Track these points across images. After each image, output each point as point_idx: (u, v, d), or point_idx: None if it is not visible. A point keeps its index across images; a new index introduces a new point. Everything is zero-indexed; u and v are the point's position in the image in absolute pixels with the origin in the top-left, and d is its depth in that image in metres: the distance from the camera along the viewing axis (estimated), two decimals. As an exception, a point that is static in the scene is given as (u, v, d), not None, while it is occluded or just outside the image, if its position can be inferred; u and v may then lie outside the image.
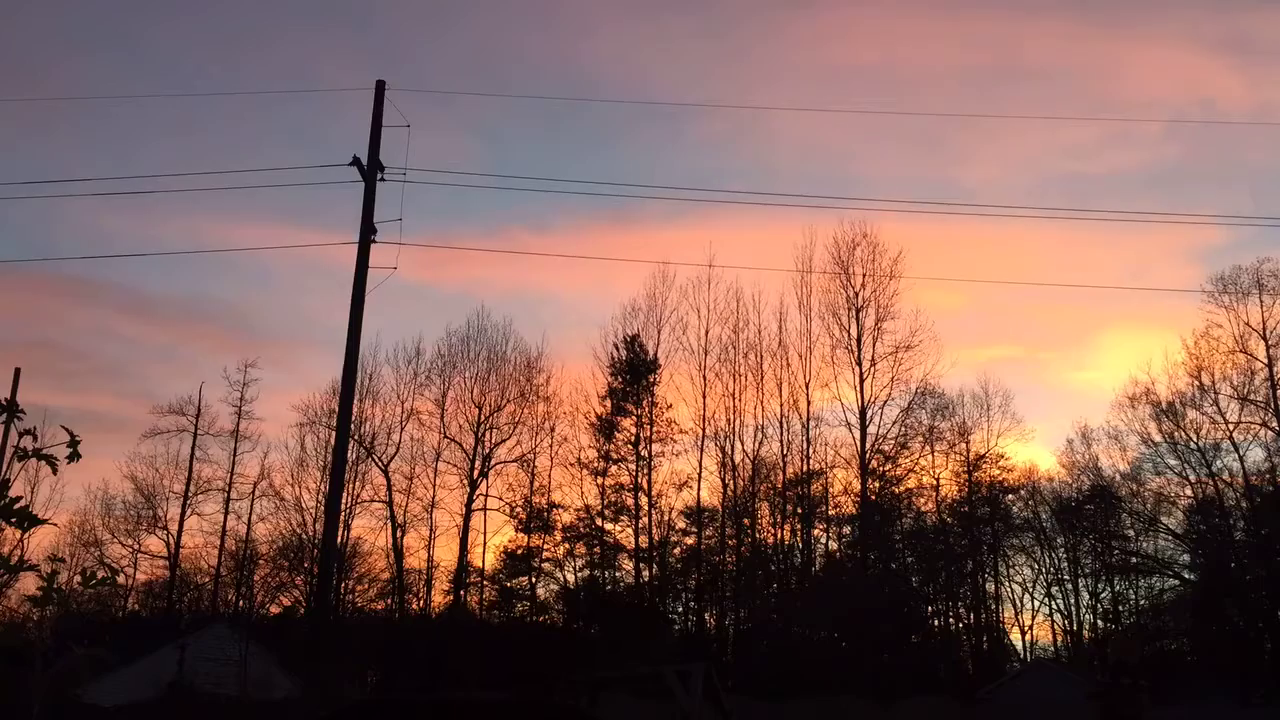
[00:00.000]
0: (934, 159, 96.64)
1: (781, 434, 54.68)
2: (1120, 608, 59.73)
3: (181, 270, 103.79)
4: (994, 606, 60.67)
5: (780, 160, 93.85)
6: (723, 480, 54.33)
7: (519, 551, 56.04)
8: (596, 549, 55.84)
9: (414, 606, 56.39)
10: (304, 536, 52.92)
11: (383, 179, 24.21)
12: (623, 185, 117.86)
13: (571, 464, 56.08)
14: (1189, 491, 53.84)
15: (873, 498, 54.13)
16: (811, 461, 54.36)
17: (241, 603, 56.10)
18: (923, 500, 58.01)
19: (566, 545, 56.62)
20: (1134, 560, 56.73)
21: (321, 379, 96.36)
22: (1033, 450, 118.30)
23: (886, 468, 54.73)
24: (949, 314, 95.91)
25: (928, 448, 56.99)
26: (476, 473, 54.04)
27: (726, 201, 79.23)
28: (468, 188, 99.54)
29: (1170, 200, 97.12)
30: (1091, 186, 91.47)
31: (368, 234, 23.65)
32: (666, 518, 55.63)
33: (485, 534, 56.11)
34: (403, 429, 55.52)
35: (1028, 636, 62.06)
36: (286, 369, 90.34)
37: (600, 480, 55.73)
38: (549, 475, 56.62)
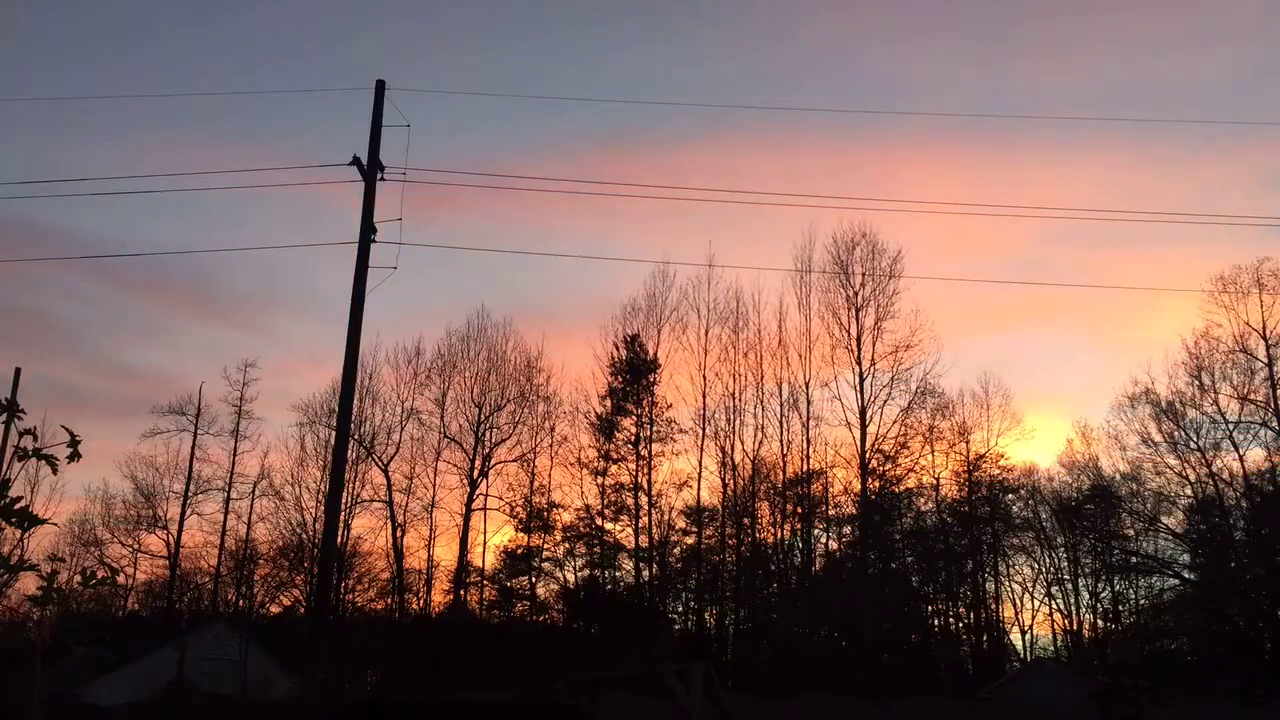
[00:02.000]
0: (991, 54, 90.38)
1: (781, 434, 54.72)
2: (1120, 608, 59.77)
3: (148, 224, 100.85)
4: (994, 606, 60.73)
5: (816, 59, 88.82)
6: (723, 480, 54.38)
7: (519, 551, 56.06)
8: (596, 548, 55.83)
9: (414, 606, 56.44)
10: (304, 536, 53.00)
11: (383, 179, 24.23)
12: (624, 185, 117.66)
13: (571, 464, 56.16)
14: (1189, 491, 53.85)
15: (873, 497, 54.11)
16: (811, 461, 54.40)
17: (241, 602, 56.18)
18: (923, 500, 58.03)
19: (566, 545, 56.66)
20: (1134, 560, 56.71)
21: (317, 359, 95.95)
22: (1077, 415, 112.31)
23: (886, 467, 54.70)
24: (1001, 252, 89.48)
25: (928, 447, 57.02)
26: (476, 472, 54.08)
27: (727, 201, 79.15)
28: (465, 95, 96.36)
29: (1264, 103, 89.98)
30: (1171, 92, 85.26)
31: (368, 234, 23.65)
32: (666, 517, 55.69)
33: (485, 534, 56.22)
34: (403, 429, 55.59)
35: (1028, 636, 62.14)
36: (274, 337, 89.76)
37: (600, 480, 55.76)
38: (549, 475, 56.71)
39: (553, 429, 56.80)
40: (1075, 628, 61.01)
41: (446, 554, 57.43)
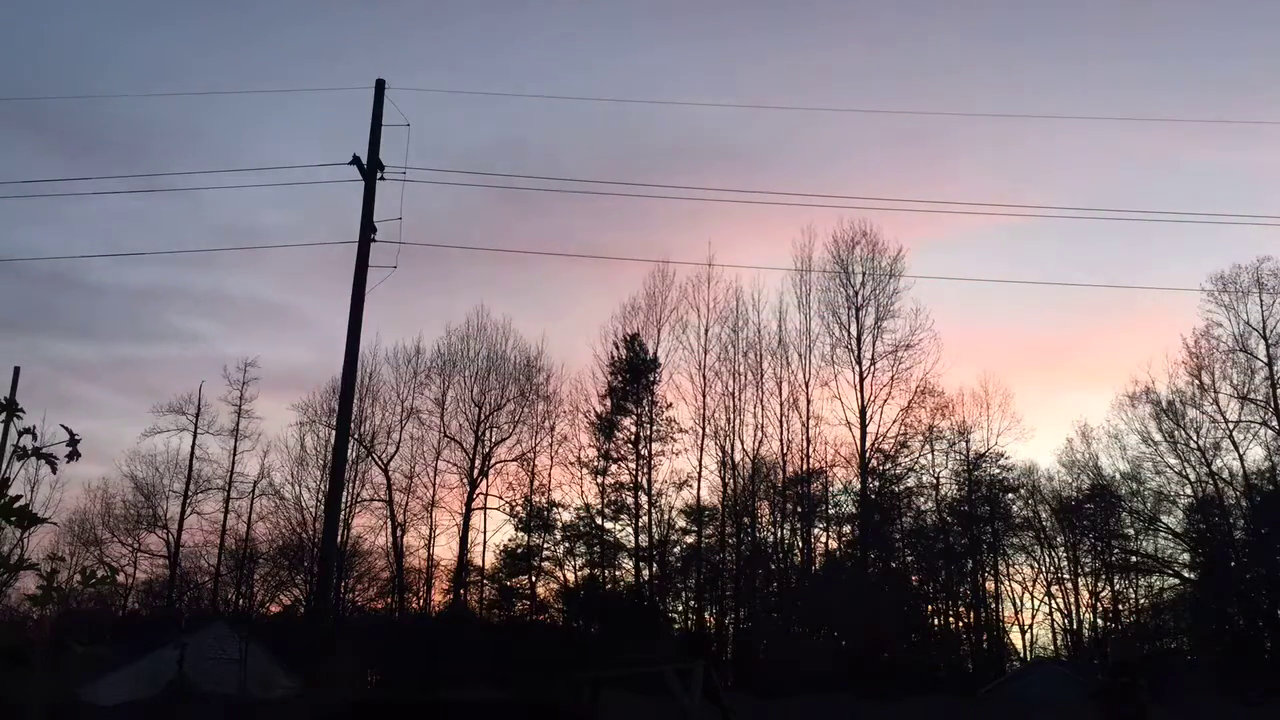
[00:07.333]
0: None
1: (781, 433, 54.78)
2: (1120, 607, 59.71)
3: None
4: (994, 605, 60.70)
5: None
6: (723, 479, 54.45)
7: (519, 550, 56.07)
8: (596, 548, 55.85)
9: (414, 605, 56.46)
10: (304, 536, 52.98)
11: (382, 178, 24.23)
12: (625, 184, 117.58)
13: (571, 463, 56.21)
14: (1189, 491, 53.90)
15: (873, 497, 54.12)
16: (811, 461, 54.45)
17: (241, 602, 56.15)
18: (923, 499, 58.06)
19: (566, 544, 56.68)
20: (1134, 559, 56.72)
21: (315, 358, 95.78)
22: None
23: (886, 467, 54.75)
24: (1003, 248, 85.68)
25: (928, 447, 57.04)
26: (476, 472, 54.13)
27: (727, 201, 79.01)
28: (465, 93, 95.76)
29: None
30: None
31: (367, 233, 23.66)
32: (666, 517, 55.74)
33: (485, 533, 56.27)
34: (403, 428, 55.66)
35: (1028, 635, 62.10)
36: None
37: (600, 479, 55.80)
38: (549, 474, 56.76)
39: (553, 428, 56.95)
40: (1075, 627, 61.00)
41: (446, 553, 57.55)
